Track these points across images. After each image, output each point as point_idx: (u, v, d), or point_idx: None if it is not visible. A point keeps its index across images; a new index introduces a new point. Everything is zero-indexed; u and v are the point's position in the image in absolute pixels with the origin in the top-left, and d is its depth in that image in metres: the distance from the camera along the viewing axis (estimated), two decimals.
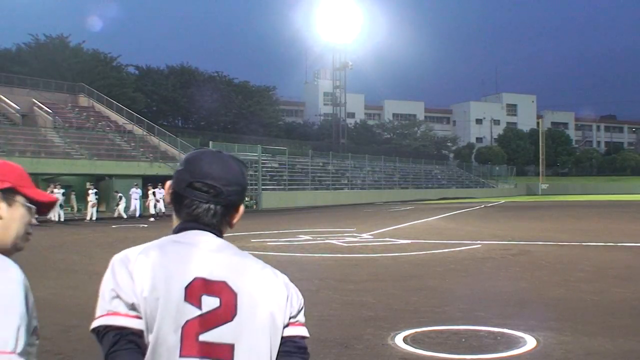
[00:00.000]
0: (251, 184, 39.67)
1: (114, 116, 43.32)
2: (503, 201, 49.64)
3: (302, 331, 1.43)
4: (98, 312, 1.33)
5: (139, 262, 1.34)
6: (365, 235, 16.87)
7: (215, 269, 1.35)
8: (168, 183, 1.47)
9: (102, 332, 1.31)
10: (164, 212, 26.77)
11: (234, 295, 1.34)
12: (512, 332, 5.89)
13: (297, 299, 1.44)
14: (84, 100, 45.35)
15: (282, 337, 1.39)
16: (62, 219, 24.66)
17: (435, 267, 10.79)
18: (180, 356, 1.28)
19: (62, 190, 24.86)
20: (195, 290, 1.32)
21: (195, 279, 1.32)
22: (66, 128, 37.34)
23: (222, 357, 1.30)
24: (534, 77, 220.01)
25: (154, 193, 27.68)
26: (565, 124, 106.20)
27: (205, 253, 1.37)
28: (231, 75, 72.20)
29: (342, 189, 49.64)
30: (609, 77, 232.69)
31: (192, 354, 1.28)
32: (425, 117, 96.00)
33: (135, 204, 27.76)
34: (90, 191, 26.15)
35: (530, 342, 5.53)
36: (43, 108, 39.53)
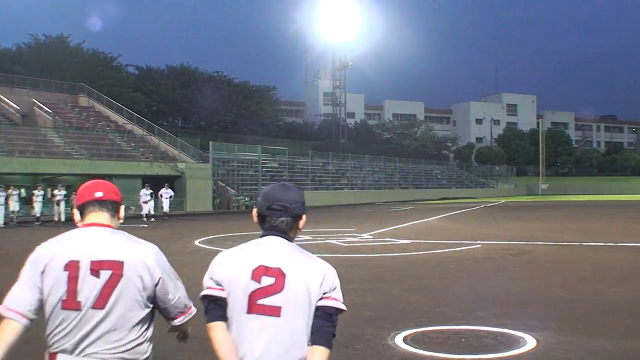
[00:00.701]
0: (251, 184, 39.70)
1: (114, 116, 43.31)
2: (503, 201, 49.64)
3: (333, 303, 2.12)
4: (205, 287, 2.17)
5: (225, 257, 2.19)
6: (365, 235, 16.86)
7: (274, 260, 2.11)
8: (254, 210, 2.30)
9: (202, 300, 2.15)
10: (153, 214, 26.67)
11: (284, 276, 2.09)
12: (512, 332, 5.89)
13: (331, 281, 2.14)
14: (84, 100, 45.34)
15: (317, 307, 2.09)
16: (62, 219, 24.63)
17: (435, 267, 10.79)
18: (247, 313, 2.08)
19: (64, 192, 24.75)
20: (258, 272, 2.10)
21: (259, 266, 2.10)
22: (66, 128, 37.33)
23: (273, 314, 2.06)
24: (534, 77, 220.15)
25: (151, 194, 27.55)
26: (565, 124, 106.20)
27: (271, 250, 2.14)
28: (231, 75, 72.29)
29: (342, 189, 49.64)
30: (609, 77, 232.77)
31: (254, 312, 2.07)
32: (425, 117, 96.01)
33: (144, 205, 27.35)
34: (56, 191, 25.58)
35: (530, 342, 5.53)
36: (43, 108, 39.51)
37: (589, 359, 5.13)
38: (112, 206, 2.30)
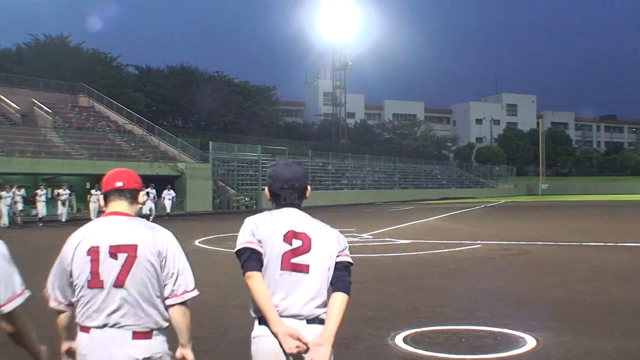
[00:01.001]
0: (251, 184, 39.70)
1: (114, 116, 43.31)
2: (503, 201, 49.64)
3: (346, 258, 2.63)
4: (239, 242, 2.50)
5: (259, 220, 2.55)
6: (365, 235, 16.86)
7: (300, 225, 2.56)
8: (267, 189, 2.66)
9: (242, 251, 2.48)
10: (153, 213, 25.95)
11: (310, 239, 2.53)
12: (512, 332, 5.89)
13: (343, 242, 2.65)
14: (84, 100, 45.34)
15: (336, 262, 2.59)
16: (63, 219, 24.59)
17: (435, 267, 10.79)
18: (281, 269, 2.47)
19: (67, 192, 24.65)
20: (289, 236, 2.51)
21: (288, 231, 2.52)
22: (66, 128, 37.33)
23: (303, 271, 2.49)
24: (534, 77, 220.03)
25: (147, 193, 27.37)
26: (565, 124, 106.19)
27: (294, 217, 2.57)
28: (231, 75, 72.31)
29: (342, 189, 49.64)
30: (609, 77, 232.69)
31: (287, 269, 2.48)
32: (425, 117, 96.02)
33: (150, 205, 26.91)
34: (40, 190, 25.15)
35: (530, 342, 5.53)
36: (43, 108, 39.51)
37: (589, 359, 5.13)
38: (130, 194, 2.61)
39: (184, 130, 55.51)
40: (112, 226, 2.53)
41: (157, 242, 2.49)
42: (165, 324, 2.52)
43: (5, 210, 22.57)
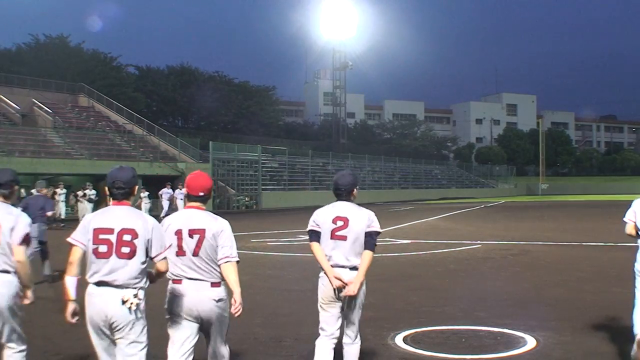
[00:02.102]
0: (251, 184, 39.69)
1: (114, 116, 43.32)
2: (503, 201, 49.63)
3: (374, 228, 4.20)
4: (308, 226, 4.27)
5: (319, 211, 4.27)
6: None
7: (343, 212, 4.20)
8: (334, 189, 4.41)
9: (309, 232, 4.27)
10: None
11: (347, 220, 4.17)
12: (512, 332, 5.90)
13: (371, 218, 4.22)
14: (84, 100, 45.34)
15: (366, 232, 4.16)
16: (62, 216, 24.33)
17: (435, 267, 10.79)
18: (330, 239, 4.16)
19: (64, 191, 24.01)
20: (335, 219, 4.18)
21: (335, 216, 4.18)
22: (66, 128, 37.34)
23: (343, 239, 4.14)
24: (534, 77, 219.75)
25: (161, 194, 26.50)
26: (565, 124, 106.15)
27: (341, 207, 4.23)
28: (231, 75, 72.29)
29: None
30: (609, 77, 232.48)
31: (333, 239, 4.15)
32: (425, 117, 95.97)
33: (167, 205, 25.81)
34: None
35: (530, 342, 5.54)
36: (43, 108, 39.52)
37: (589, 359, 5.13)
38: (204, 197, 3.95)
39: (184, 130, 55.51)
40: (191, 216, 3.88)
41: (217, 227, 3.82)
42: (221, 279, 3.86)
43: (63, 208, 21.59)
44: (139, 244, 3.51)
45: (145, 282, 3.59)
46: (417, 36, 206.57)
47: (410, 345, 5.50)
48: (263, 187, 39.58)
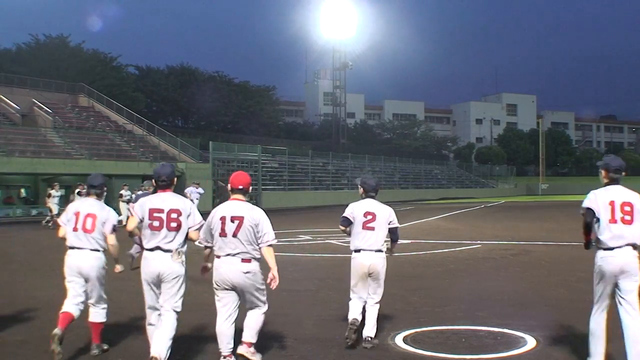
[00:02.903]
0: (251, 184, 39.65)
1: (114, 116, 43.32)
2: (503, 201, 49.62)
3: (394, 225, 5.78)
4: (345, 214, 5.77)
5: (353, 205, 5.77)
6: None
7: (372, 207, 5.71)
8: (360, 189, 5.97)
9: (343, 217, 5.79)
10: None
11: (375, 214, 5.65)
12: (512, 332, 5.90)
13: (392, 215, 5.78)
14: (84, 100, 45.34)
15: (389, 229, 5.73)
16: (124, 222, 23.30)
17: (435, 267, 10.79)
18: (362, 229, 5.66)
19: (60, 192, 22.54)
20: (366, 213, 5.67)
21: (365, 211, 5.67)
22: (66, 128, 37.34)
23: (371, 230, 5.62)
24: (534, 77, 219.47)
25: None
26: (565, 124, 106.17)
27: (370, 203, 5.79)
28: (231, 75, 72.21)
29: (342, 189, 49.60)
30: (609, 77, 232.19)
31: (364, 229, 5.67)
32: (425, 117, 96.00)
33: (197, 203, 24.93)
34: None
35: (530, 342, 5.54)
36: (43, 108, 39.52)
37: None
38: (244, 190, 5.07)
39: (184, 130, 55.51)
40: (233, 206, 4.96)
41: (254, 215, 4.88)
42: (258, 256, 4.88)
43: (56, 209, 21.14)
44: (182, 219, 4.94)
45: (185, 247, 5.03)
46: (417, 36, 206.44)
47: (410, 345, 5.50)
48: (263, 187, 39.57)
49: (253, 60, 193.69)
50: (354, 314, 5.57)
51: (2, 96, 39.52)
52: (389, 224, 5.68)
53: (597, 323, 4.70)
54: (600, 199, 4.79)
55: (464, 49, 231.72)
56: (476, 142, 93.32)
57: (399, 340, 5.69)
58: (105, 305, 5.53)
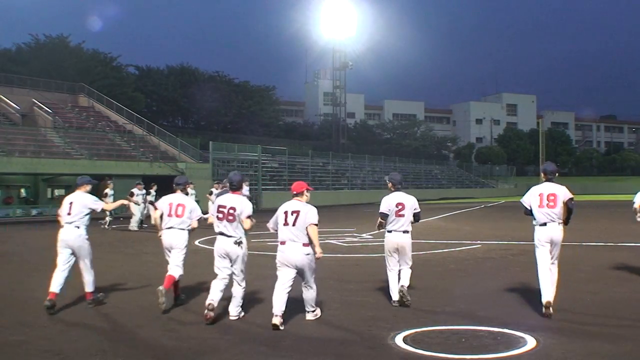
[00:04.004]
0: (251, 184, 39.63)
1: (114, 116, 43.32)
2: (503, 201, 49.61)
3: (417, 210, 7.57)
4: (380, 209, 7.47)
5: (386, 197, 7.53)
6: (365, 235, 16.87)
7: (402, 199, 7.49)
8: (390, 183, 7.79)
9: (381, 213, 7.45)
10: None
11: (404, 204, 7.44)
12: (512, 332, 5.90)
13: (416, 203, 7.54)
14: (84, 100, 45.35)
15: (413, 213, 7.52)
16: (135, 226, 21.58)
17: (435, 267, 10.79)
18: (394, 216, 7.41)
19: (143, 191, 21.33)
20: (398, 204, 7.45)
21: (397, 202, 7.44)
22: (66, 128, 37.34)
23: (402, 216, 7.41)
24: (534, 77, 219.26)
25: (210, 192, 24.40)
26: (565, 124, 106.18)
27: (400, 196, 7.53)
28: (231, 75, 72.20)
29: (342, 189, 49.62)
30: (609, 77, 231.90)
31: (396, 216, 7.40)
32: (425, 117, 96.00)
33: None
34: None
35: (530, 342, 5.54)
36: (43, 108, 39.53)
37: (589, 359, 5.12)
38: (299, 194, 6.62)
39: (184, 130, 55.54)
40: (294, 203, 6.52)
41: (308, 209, 6.42)
42: (308, 241, 6.34)
43: (137, 210, 20.34)
44: (237, 213, 6.60)
45: (243, 233, 6.66)
46: (417, 36, 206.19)
47: (410, 345, 5.50)
48: (263, 187, 39.58)
49: (253, 60, 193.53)
50: (394, 285, 7.45)
51: (2, 96, 39.53)
52: (414, 210, 7.46)
53: (545, 279, 7.05)
54: (533, 192, 7.20)
55: (464, 49, 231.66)
56: (476, 142, 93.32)
57: (399, 340, 5.68)
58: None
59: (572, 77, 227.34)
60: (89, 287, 7.48)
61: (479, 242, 14.97)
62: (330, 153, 52.64)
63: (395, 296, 7.32)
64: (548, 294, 6.80)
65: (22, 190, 32.09)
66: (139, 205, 20.60)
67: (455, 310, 7.07)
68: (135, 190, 20.79)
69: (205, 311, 6.36)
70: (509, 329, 5.98)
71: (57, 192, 33.06)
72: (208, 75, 66.15)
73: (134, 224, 20.69)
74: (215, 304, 6.47)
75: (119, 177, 32.67)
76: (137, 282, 9.39)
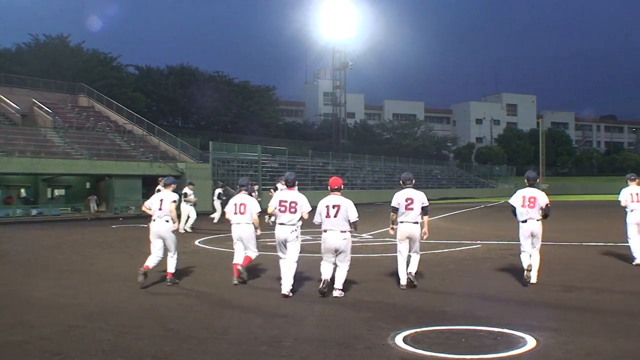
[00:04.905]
0: (251, 184, 39.61)
1: (114, 116, 43.30)
2: (503, 201, 49.56)
3: (426, 204, 8.60)
4: (392, 203, 8.65)
5: (397, 194, 8.67)
6: (365, 235, 16.86)
7: (410, 194, 8.58)
8: (401, 181, 8.89)
9: (392, 208, 8.67)
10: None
11: (413, 199, 8.54)
12: (512, 332, 5.90)
13: (424, 198, 8.63)
14: (84, 100, 45.33)
15: (422, 206, 8.56)
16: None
17: (435, 267, 10.78)
18: (404, 210, 8.52)
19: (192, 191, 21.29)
20: (407, 199, 8.56)
21: (406, 197, 8.56)
22: (66, 128, 37.32)
23: (410, 210, 8.49)
24: (534, 77, 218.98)
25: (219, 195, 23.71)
26: (565, 124, 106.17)
27: (409, 191, 8.63)
28: (231, 75, 72.15)
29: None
30: (609, 77, 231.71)
31: (406, 210, 8.51)
32: (425, 117, 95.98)
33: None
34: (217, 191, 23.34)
35: (530, 342, 5.53)
36: (43, 108, 39.51)
37: (589, 359, 5.13)
38: (338, 189, 8.08)
39: (184, 130, 55.53)
40: (333, 198, 7.97)
41: (347, 203, 7.88)
42: (349, 228, 7.87)
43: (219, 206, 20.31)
44: (298, 207, 8.09)
45: (300, 222, 8.22)
46: (417, 36, 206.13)
47: (410, 345, 5.49)
48: (263, 187, 39.52)
49: (253, 60, 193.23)
50: (403, 270, 8.56)
51: (2, 96, 39.52)
52: (422, 204, 8.50)
53: (525, 257, 8.85)
54: (518, 194, 8.94)
55: (464, 49, 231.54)
56: (476, 142, 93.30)
57: (399, 340, 5.68)
58: (257, 253, 9.71)
59: (572, 77, 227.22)
60: (171, 268, 8.98)
61: (479, 242, 14.97)
62: (330, 153, 52.61)
63: (403, 280, 8.48)
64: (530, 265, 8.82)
65: (22, 190, 32.07)
66: (195, 205, 20.19)
67: (455, 310, 7.07)
68: (187, 190, 20.20)
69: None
70: (509, 329, 5.98)
71: (57, 192, 33.06)
72: (208, 75, 66.12)
73: (187, 225, 19.82)
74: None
75: (119, 177, 32.72)
76: (137, 282, 9.39)
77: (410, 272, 8.52)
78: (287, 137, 65.90)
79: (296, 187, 8.58)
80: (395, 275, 8.89)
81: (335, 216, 7.80)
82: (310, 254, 11.47)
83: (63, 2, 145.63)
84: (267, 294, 8.33)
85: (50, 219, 26.40)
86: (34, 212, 30.00)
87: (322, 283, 7.88)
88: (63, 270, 11.03)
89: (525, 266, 8.71)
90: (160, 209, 8.93)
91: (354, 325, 6.32)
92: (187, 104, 62.03)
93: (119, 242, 16.35)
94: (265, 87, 69.74)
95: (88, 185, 33.99)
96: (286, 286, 7.98)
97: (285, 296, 7.88)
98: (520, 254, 8.93)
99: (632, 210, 11.35)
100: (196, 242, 15.78)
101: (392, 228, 8.84)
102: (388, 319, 6.59)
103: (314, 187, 45.86)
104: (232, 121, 64.32)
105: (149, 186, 35.46)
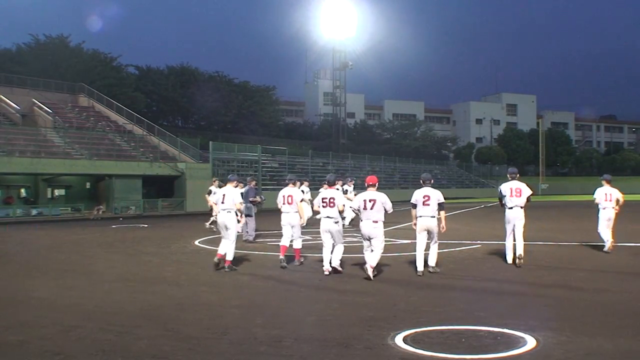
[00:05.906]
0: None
1: (114, 116, 43.32)
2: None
3: (441, 200, 9.90)
4: (412, 200, 10.11)
5: (416, 191, 10.10)
6: None
7: (428, 192, 9.91)
8: (422, 181, 10.39)
9: (412, 204, 10.13)
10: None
11: (429, 196, 9.86)
12: (512, 332, 5.89)
13: (440, 195, 9.94)
14: (84, 100, 45.35)
15: (438, 203, 9.87)
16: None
17: (435, 267, 10.77)
18: (422, 205, 9.90)
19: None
20: (424, 196, 9.90)
21: (424, 195, 9.91)
22: (66, 128, 37.34)
23: (427, 205, 9.85)
24: (534, 77, 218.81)
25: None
26: (565, 124, 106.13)
27: (427, 190, 9.98)
28: (231, 75, 72.15)
29: None
30: (609, 77, 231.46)
31: (424, 205, 9.87)
32: (425, 117, 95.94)
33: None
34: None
35: (530, 342, 5.53)
36: (43, 108, 39.53)
37: (589, 359, 5.12)
38: (374, 185, 9.49)
39: (184, 130, 55.54)
40: (370, 193, 9.40)
41: (383, 198, 9.36)
42: (383, 219, 9.42)
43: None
44: (336, 202, 9.89)
45: (340, 215, 10.08)
46: (417, 36, 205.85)
47: (410, 345, 5.49)
48: (263, 187, 39.56)
49: (253, 60, 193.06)
50: (420, 260, 9.78)
51: (2, 96, 39.54)
52: (438, 200, 9.72)
53: (509, 243, 10.77)
54: (506, 186, 10.87)
55: (464, 49, 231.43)
56: (476, 142, 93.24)
57: (398, 340, 5.68)
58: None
59: (572, 77, 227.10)
60: (229, 256, 10.21)
61: (479, 242, 14.97)
62: (330, 153, 52.60)
63: (420, 267, 9.73)
64: (516, 252, 10.76)
65: (22, 190, 32.07)
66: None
67: (455, 310, 7.07)
68: (213, 188, 18.95)
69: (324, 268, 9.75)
70: (509, 329, 5.98)
71: (57, 192, 33.06)
72: (208, 75, 66.12)
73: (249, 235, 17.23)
74: (329, 265, 9.84)
75: (119, 177, 32.71)
76: (136, 282, 9.39)
77: (430, 265, 9.86)
78: (287, 137, 65.91)
79: (337, 186, 10.44)
80: (395, 275, 8.87)
81: (371, 208, 9.19)
82: (309, 253, 11.47)
83: (63, 2, 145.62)
84: (267, 294, 8.33)
85: (50, 219, 26.38)
86: (34, 212, 30.01)
87: (367, 270, 9.12)
88: (63, 270, 11.03)
89: (509, 260, 10.71)
90: (222, 202, 10.40)
91: (354, 325, 6.32)
92: (187, 104, 62.03)
93: (119, 242, 16.35)
94: (265, 87, 69.75)
95: (88, 185, 34.00)
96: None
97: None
98: (505, 239, 11.03)
99: (604, 208, 13.18)
100: (196, 242, 15.77)
101: (415, 224, 9.99)
102: (388, 319, 6.59)
103: (314, 187, 45.82)
104: (232, 121, 64.33)
105: (149, 186, 35.57)
